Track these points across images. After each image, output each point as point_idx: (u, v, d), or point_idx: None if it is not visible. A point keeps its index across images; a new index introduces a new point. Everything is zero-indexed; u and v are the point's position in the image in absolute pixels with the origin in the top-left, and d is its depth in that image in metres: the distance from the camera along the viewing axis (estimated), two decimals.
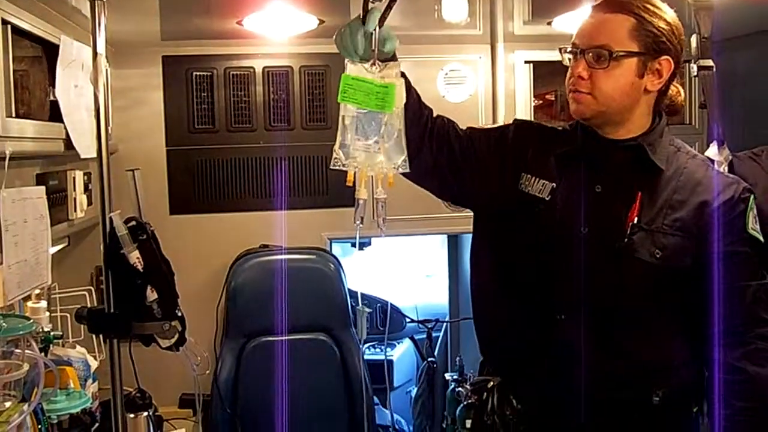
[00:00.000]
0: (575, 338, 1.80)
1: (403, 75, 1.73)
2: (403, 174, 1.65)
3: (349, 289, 3.45)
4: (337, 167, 1.58)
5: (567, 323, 1.81)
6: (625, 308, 1.81)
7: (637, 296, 1.81)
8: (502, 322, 1.97)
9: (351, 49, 1.57)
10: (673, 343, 1.86)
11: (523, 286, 1.90)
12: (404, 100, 1.59)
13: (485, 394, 1.98)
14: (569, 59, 1.84)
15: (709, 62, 2.35)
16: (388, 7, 1.58)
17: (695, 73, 2.39)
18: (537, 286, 1.87)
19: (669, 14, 1.81)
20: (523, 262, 1.90)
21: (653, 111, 1.87)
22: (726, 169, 2.34)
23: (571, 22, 2.90)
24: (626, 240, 1.78)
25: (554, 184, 1.87)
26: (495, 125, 2.08)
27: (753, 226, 1.83)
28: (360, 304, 1.90)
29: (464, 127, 1.97)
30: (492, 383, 1.98)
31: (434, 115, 1.91)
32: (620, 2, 1.78)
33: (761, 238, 1.84)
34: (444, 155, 1.90)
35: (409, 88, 1.77)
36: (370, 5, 1.58)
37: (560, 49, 1.86)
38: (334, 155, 1.57)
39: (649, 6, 1.79)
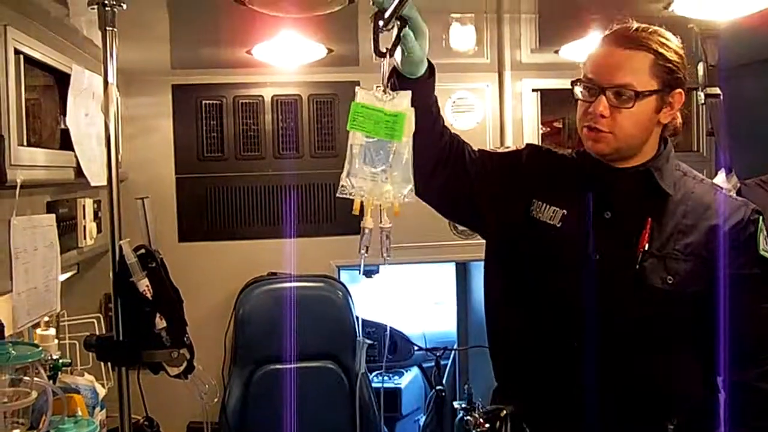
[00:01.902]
0: (589, 365, 1.78)
1: (435, 99, 1.82)
2: (417, 194, 1.65)
3: (358, 318, 3.44)
4: (344, 195, 1.58)
5: (581, 350, 1.80)
6: (639, 335, 1.80)
7: (651, 322, 1.80)
8: (518, 350, 1.96)
9: None
10: (688, 370, 1.84)
11: (536, 312, 1.89)
12: (413, 130, 1.59)
13: (498, 422, 1.97)
14: (580, 92, 1.81)
15: (716, 90, 2.36)
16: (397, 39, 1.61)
17: (702, 101, 2.40)
18: (550, 312, 1.86)
19: (676, 44, 1.81)
20: (534, 288, 1.90)
21: (660, 138, 1.88)
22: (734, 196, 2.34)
23: (578, 51, 2.92)
24: (638, 267, 1.77)
25: (565, 211, 1.86)
26: (507, 149, 2.07)
27: (764, 248, 1.81)
28: (360, 335, 1.89)
29: (476, 149, 1.97)
30: (505, 412, 1.97)
31: (450, 135, 1.92)
32: (636, 37, 1.77)
33: None
34: (459, 179, 1.90)
35: (433, 111, 1.81)
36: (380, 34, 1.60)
37: (572, 83, 1.83)
38: (341, 183, 1.57)
39: (662, 39, 1.78)
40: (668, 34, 1.81)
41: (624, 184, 1.84)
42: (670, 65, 1.77)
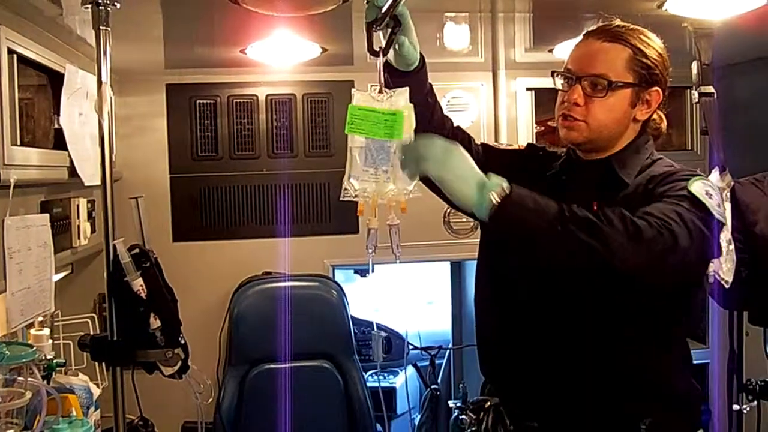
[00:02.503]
0: (561, 359, 1.79)
1: (430, 87, 1.83)
2: (422, 180, 1.66)
3: (353, 317, 3.44)
4: (347, 198, 1.59)
5: (551, 344, 1.81)
6: (602, 322, 1.77)
7: (609, 307, 1.75)
8: (497, 340, 1.97)
9: None
10: (661, 359, 1.82)
11: (515, 303, 1.90)
12: (413, 126, 1.60)
13: (482, 413, 1.98)
14: (561, 84, 1.85)
15: (710, 89, 2.36)
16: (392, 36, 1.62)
17: (696, 100, 2.40)
18: (526, 303, 1.87)
19: (659, 44, 1.83)
20: (513, 280, 1.90)
21: (638, 136, 1.88)
22: (728, 194, 2.34)
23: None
24: None
25: None
26: (509, 146, 2.09)
27: (700, 192, 1.66)
28: (375, 328, 1.90)
29: (478, 142, 1.99)
30: (490, 403, 1.98)
31: (453, 125, 1.94)
32: (616, 32, 1.80)
33: (714, 211, 1.66)
34: None
35: (429, 101, 1.83)
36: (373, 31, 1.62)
37: (553, 73, 1.87)
38: (344, 186, 1.58)
39: (643, 37, 1.81)
40: (651, 35, 1.83)
41: (587, 175, 1.84)
42: (648, 62, 1.79)
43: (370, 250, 1.61)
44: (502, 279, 1.94)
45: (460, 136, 1.93)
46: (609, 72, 1.77)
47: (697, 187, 1.67)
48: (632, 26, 1.82)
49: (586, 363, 1.78)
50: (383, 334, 1.92)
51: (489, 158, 1.96)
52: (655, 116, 1.90)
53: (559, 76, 1.85)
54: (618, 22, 1.83)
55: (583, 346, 1.78)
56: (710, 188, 1.69)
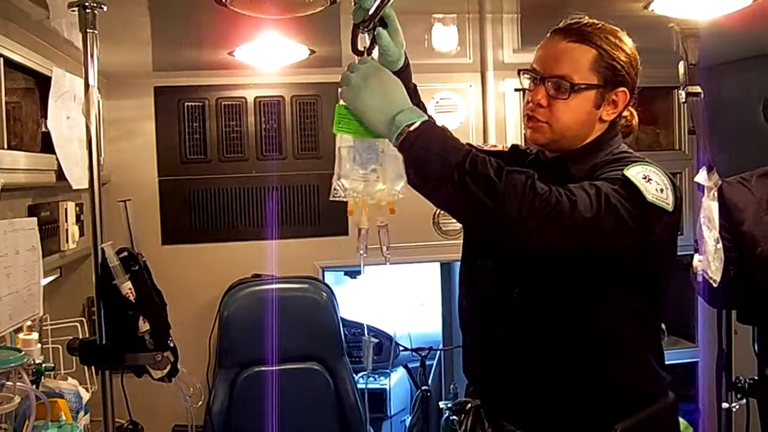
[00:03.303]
0: (533, 360, 1.79)
1: (414, 88, 1.82)
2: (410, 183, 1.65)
3: (343, 319, 3.44)
4: (337, 198, 1.58)
5: (524, 344, 1.81)
6: (574, 327, 1.76)
7: (581, 313, 1.75)
8: (476, 344, 1.97)
9: None
10: (638, 361, 1.82)
11: (490, 308, 1.89)
12: None
13: (463, 414, 1.98)
14: (528, 84, 1.83)
15: (697, 88, 2.37)
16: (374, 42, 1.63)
17: (683, 100, 2.41)
18: (500, 307, 1.86)
19: (628, 45, 1.80)
20: (487, 284, 1.90)
21: (602, 134, 1.84)
22: (715, 194, 2.35)
23: None
24: None
25: None
26: (494, 148, 2.07)
27: (636, 176, 1.62)
28: (366, 334, 1.90)
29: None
30: (470, 405, 1.98)
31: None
32: (583, 31, 1.77)
33: (648, 195, 1.60)
34: None
35: (418, 103, 1.81)
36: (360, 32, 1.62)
37: (519, 72, 1.85)
38: (333, 186, 1.58)
39: (610, 37, 1.78)
40: (622, 35, 1.80)
41: (545, 173, 1.75)
42: (615, 63, 1.76)
43: (362, 251, 1.61)
44: (478, 284, 1.94)
45: None
46: (573, 73, 1.74)
47: (633, 170, 1.65)
48: (601, 25, 1.79)
49: (560, 367, 1.77)
50: (374, 339, 1.93)
51: None
52: (625, 113, 1.87)
53: (525, 75, 1.83)
54: (587, 20, 1.80)
55: (557, 351, 1.77)
56: (653, 174, 1.66)
